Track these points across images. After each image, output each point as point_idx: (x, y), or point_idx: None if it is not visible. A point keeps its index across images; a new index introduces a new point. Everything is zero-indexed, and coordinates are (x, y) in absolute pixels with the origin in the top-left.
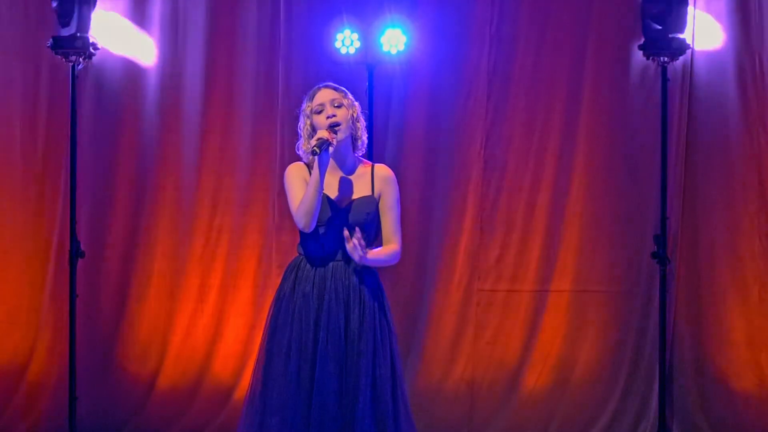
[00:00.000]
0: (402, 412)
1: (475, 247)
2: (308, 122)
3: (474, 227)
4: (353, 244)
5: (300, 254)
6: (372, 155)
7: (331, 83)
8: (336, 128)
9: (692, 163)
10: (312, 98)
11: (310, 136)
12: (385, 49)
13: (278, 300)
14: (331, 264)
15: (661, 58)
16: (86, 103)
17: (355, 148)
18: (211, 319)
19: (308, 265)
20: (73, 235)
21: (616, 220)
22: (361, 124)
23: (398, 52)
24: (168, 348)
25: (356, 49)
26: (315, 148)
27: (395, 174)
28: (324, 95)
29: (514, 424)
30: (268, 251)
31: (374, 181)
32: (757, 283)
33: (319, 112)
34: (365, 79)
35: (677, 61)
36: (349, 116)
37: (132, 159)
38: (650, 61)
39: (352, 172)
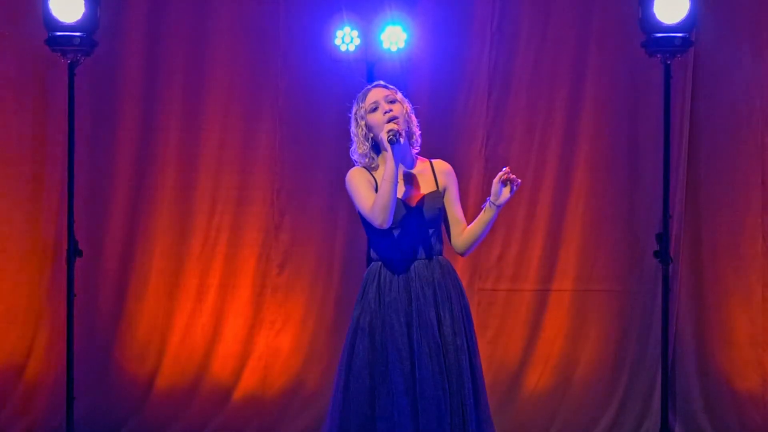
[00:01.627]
0: (482, 410)
1: (476, 247)
2: (362, 123)
3: None
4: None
5: (375, 259)
6: None
7: (381, 82)
8: (394, 122)
9: (695, 161)
10: (364, 99)
11: (366, 137)
12: (385, 46)
13: (362, 310)
14: (413, 265)
15: (664, 56)
16: (84, 100)
17: (411, 144)
18: (209, 319)
19: (388, 271)
20: (70, 234)
21: (618, 218)
22: (414, 119)
23: (398, 49)
24: (166, 348)
25: (356, 46)
26: (391, 137)
27: None
28: (376, 94)
29: (516, 424)
30: (267, 250)
31: (437, 175)
32: (760, 282)
33: (374, 110)
34: (365, 77)
35: (680, 59)
36: (404, 111)
37: (130, 157)
38: (652, 59)
39: (412, 168)
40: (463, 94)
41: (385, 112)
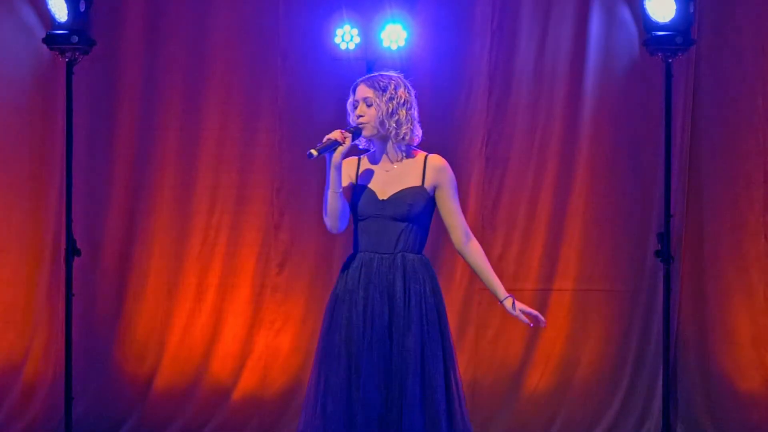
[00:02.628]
0: (456, 409)
1: None
2: (351, 116)
3: (475, 225)
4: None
5: (352, 251)
6: None
7: (369, 77)
8: (360, 127)
9: (697, 160)
10: (353, 91)
11: None
12: (385, 44)
13: (332, 299)
14: (375, 259)
15: (665, 55)
16: (82, 99)
17: (397, 138)
18: (209, 319)
19: (355, 263)
20: (69, 233)
21: (620, 217)
22: (401, 118)
23: (399, 47)
24: (165, 347)
25: (356, 44)
26: (312, 150)
27: None
28: (360, 91)
29: (516, 424)
30: (267, 249)
31: (426, 171)
32: (762, 282)
33: (354, 108)
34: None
35: (681, 57)
36: (378, 116)
37: (129, 156)
38: (654, 57)
39: (398, 164)
40: (463, 93)
41: (357, 116)
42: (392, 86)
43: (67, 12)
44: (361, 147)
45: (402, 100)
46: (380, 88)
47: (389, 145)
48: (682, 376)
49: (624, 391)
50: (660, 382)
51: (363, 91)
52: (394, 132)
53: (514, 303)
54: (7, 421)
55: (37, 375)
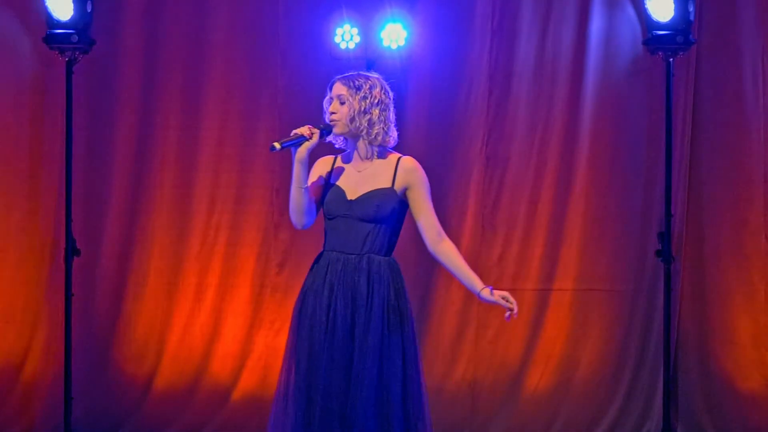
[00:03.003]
0: (412, 413)
1: (477, 246)
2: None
3: (475, 225)
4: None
5: (323, 249)
6: None
7: (346, 76)
8: (331, 124)
9: (697, 159)
10: (330, 88)
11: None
12: (385, 44)
13: (300, 296)
14: (341, 259)
15: (666, 54)
16: (82, 99)
17: (372, 139)
18: (208, 318)
19: (322, 262)
20: (68, 233)
21: (620, 217)
22: (374, 118)
23: (399, 47)
24: (165, 347)
25: (356, 44)
26: (275, 143)
27: None
28: (336, 88)
29: (517, 425)
30: (267, 249)
31: (397, 173)
32: (764, 281)
33: (329, 104)
34: None
35: (681, 57)
36: (349, 113)
37: (128, 155)
38: (654, 57)
39: (371, 164)
40: (463, 93)
41: (331, 113)
42: (367, 86)
43: (73, 10)
44: (337, 146)
45: (376, 100)
46: (355, 86)
47: (362, 145)
48: (682, 376)
49: (624, 391)
50: (660, 382)
51: (338, 88)
52: (365, 131)
53: (492, 291)
54: (6, 422)
55: (37, 375)
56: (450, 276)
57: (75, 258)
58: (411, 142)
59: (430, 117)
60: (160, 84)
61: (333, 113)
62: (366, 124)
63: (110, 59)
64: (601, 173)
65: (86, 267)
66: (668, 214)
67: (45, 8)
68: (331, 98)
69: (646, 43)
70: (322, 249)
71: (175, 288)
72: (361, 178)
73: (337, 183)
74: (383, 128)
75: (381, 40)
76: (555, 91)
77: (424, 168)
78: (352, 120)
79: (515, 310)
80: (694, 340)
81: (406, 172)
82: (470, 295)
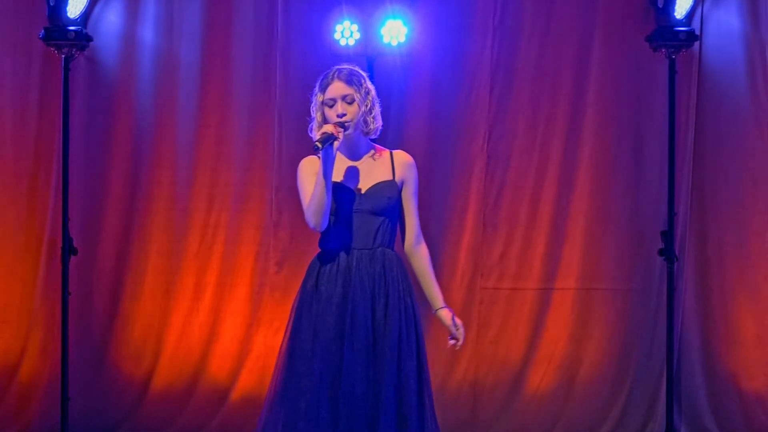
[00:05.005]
0: (427, 409)
1: (478, 244)
2: (319, 113)
3: (477, 223)
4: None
5: (322, 250)
6: None
7: (345, 72)
8: (346, 125)
9: (701, 157)
10: (324, 90)
11: (320, 125)
12: (385, 40)
13: (301, 299)
14: (353, 255)
15: (669, 51)
16: (79, 96)
17: (368, 134)
18: (207, 318)
19: (329, 261)
20: (65, 232)
21: (623, 216)
22: (376, 112)
23: (399, 43)
24: (163, 347)
25: (356, 40)
26: (317, 143)
27: None
28: (336, 89)
29: (518, 425)
30: (266, 248)
31: (395, 166)
32: (767, 280)
33: (331, 106)
34: (365, 72)
35: (685, 53)
36: (360, 112)
37: (126, 153)
38: (658, 53)
39: (365, 158)
40: (464, 90)
41: (339, 115)
42: (364, 80)
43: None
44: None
45: (372, 94)
46: (358, 83)
47: (357, 140)
48: (685, 375)
49: (627, 390)
50: (663, 382)
51: (341, 88)
52: (372, 128)
53: (453, 317)
54: (2, 423)
55: (33, 375)
56: (451, 275)
57: (72, 257)
58: (411, 140)
59: (431, 115)
60: (158, 81)
61: (343, 114)
62: (372, 121)
63: (108, 56)
64: (604, 171)
65: (83, 266)
66: (671, 213)
67: (43, 4)
68: (332, 99)
69: (649, 39)
70: (325, 247)
71: (173, 287)
72: (362, 172)
73: (340, 180)
74: (380, 121)
75: (381, 36)
76: (557, 89)
77: (425, 166)
78: (365, 121)
79: (460, 343)
80: (697, 340)
81: (404, 166)
82: (471, 295)
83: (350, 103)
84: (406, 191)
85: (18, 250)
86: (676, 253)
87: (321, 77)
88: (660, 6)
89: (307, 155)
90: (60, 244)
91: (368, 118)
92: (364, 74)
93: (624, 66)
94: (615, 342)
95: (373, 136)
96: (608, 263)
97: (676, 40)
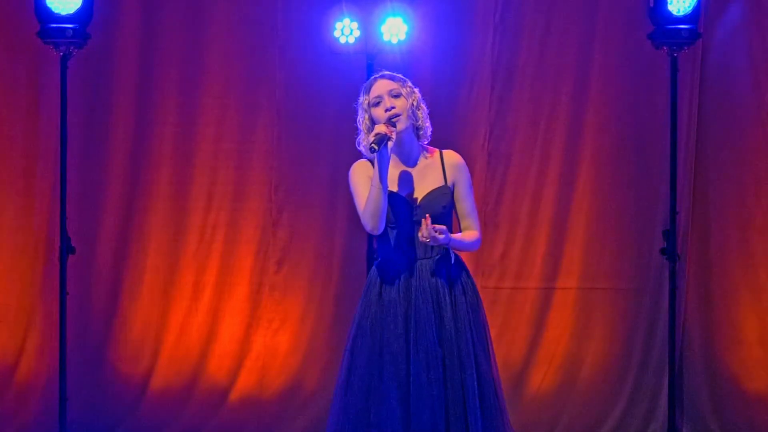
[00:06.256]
0: (504, 412)
1: None
2: (366, 116)
3: None
4: (424, 232)
5: (379, 258)
6: None
7: (387, 72)
8: (394, 120)
9: (703, 155)
10: (368, 90)
11: (370, 130)
12: (385, 38)
13: (364, 310)
14: (416, 264)
15: (671, 48)
16: (77, 94)
17: (418, 137)
18: (206, 318)
19: (390, 270)
20: (63, 231)
21: (625, 214)
22: (423, 111)
23: (399, 41)
24: (161, 347)
25: (356, 38)
26: (373, 144)
27: None
28: (381, 86)
29: (520, 425)
30: (265, 247)
31: (446, 169)
32: None
33: (377, 105)
34: (365, 70)
35: (687, 51)
36: (408, 106)
37: (124, 152)
38: (659, 51)
39: (419, 161)
40: (465, 88)
41: (387, 109)
42: (406, 80)
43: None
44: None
45: (418, 93)
46: (401, 79)
47: (408, 143)
48: (688, 376)
49: (629, 391)
50: (665, 382)
51: (386, 85)
52: (422, 124)
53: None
54: (0, 423)
55: (31, 375)
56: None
57: (70, 256)
58: None
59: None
60: (156, 79)
61: (392, 107)
62: (423, 117)
63: (106, 54)
64: (605, 170)
65: (81, 265)
66: (673, 212)
67: (40, 2)
68: (379, 97)
69: (651, 37)
70: (382, 257)
71: (171, 286)
72: (415, 179)
73: (394, 189)
74: (428, 122)
75: (381, 34)
76: (558, 87)
77: None
78: (413, 114)
79: (422, 234)
80: (699, 340)
81: (456, 169)
82: None
83: (396, 97)
84: (458, 193)
85: (16, 249)
86: (679, 252)
87: (363, 86)
88: (651, 5)
89: (306, 154)
90: (58, 243)
91: (417, 113)
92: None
93: (626, 63)
94: (617, 342)
95: (425, 141)
96: (610, 262)
97: (678, 38)
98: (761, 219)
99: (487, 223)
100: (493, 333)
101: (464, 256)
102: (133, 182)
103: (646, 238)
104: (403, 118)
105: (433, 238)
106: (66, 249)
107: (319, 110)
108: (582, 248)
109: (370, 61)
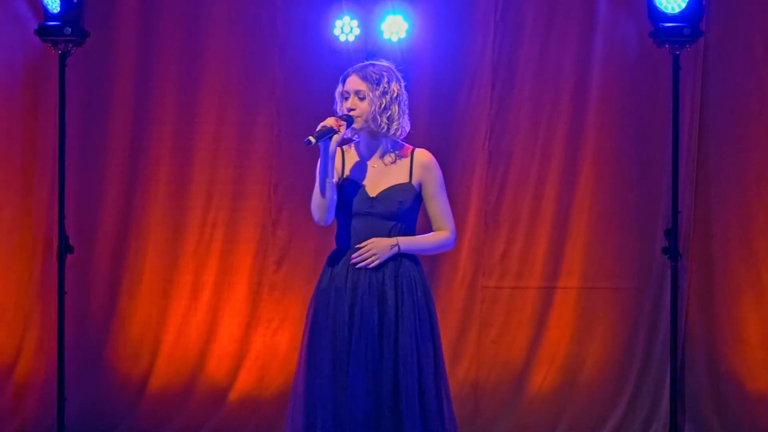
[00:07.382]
0: (446, 409)
1: (480, 243)
2: (339, 106)
3: (478, 222)
4: (355, 259)
5: (337, 247)
6: None
7: (361, 68)
8: (347, 120)
9: (705, 154)
10: (343, 81)
11: None
12: (385, 36)
13: (316, 297)
14: None
15: (673, 47)
16: (75, 92)
17: (388, 133)
18: (205, 317)
19: (342, 260)
20: (61, 230)
21: (626, 214)
22: (393, 114)
23: (399, 39)
24: (160, 347)
25: (356, 36)
26: (310, 137)
27: None
28: (351, 83)
29: (520, 426)
30: (265, 246)
31: (413, 167)
32: None
33: (345, 99)
34: None
35: (689, 49)
36: (371, 111)
37: (122, 151)
38: (661, 49)
39: (384, 158)
40: (465, 87)
41: (349, 109)
42: (385, 79)
43: (60, 2)
44: (345, 136)
45: (395, 95)
46: (374, 81)
47: (378, 140)
48: (689, 376)
49: (631, 390)
50: (667, 382)
51: (355, 83)
52: (386, 128)
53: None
54: None
55: (29, 375)
56: (453, 274)
57: (68, 255)
58: (411, 138)
59: (432, 111)
60: (155, 77)
61: (352, 109)
62: (386, 122)
63: (104, 52)
64: (607, 169)
65: (80, 264)
66: (675, 211)
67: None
68: (347, 92)
69: (652, 35)
70: (338, 246)
71: (170, 286)
72: (377, 173)
73: (354, 178)
74: (400, 122)
75: (381, 32)
76: (559, 85)
77: None
78: (374, 119)
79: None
80: (701, 339)
81: (422, 168)
82: (473, 294)
83: (362, 99)
84: (427, 192)
85: (13, 248)
86: (680, 251)
87: (342, 75)
88: (647, 3)
89: (306, 153)
90: (56, 242)
91: (379, 118)
92: (390, 73)
93: (627, 62)
94: (618, 341)
95: (398, 136)
96: (611, 262)
97: (680, 36)
98: (764, 218)
99: (487, 223)
100: (493, 333)
101: (465, 256)
102: (132, 181)
103: (648, 237)
104: (360, 120)
105: (366, 263)
106: (64, 248)
107: (318, 108)
108: (583, 247)
109: (370, 60)
